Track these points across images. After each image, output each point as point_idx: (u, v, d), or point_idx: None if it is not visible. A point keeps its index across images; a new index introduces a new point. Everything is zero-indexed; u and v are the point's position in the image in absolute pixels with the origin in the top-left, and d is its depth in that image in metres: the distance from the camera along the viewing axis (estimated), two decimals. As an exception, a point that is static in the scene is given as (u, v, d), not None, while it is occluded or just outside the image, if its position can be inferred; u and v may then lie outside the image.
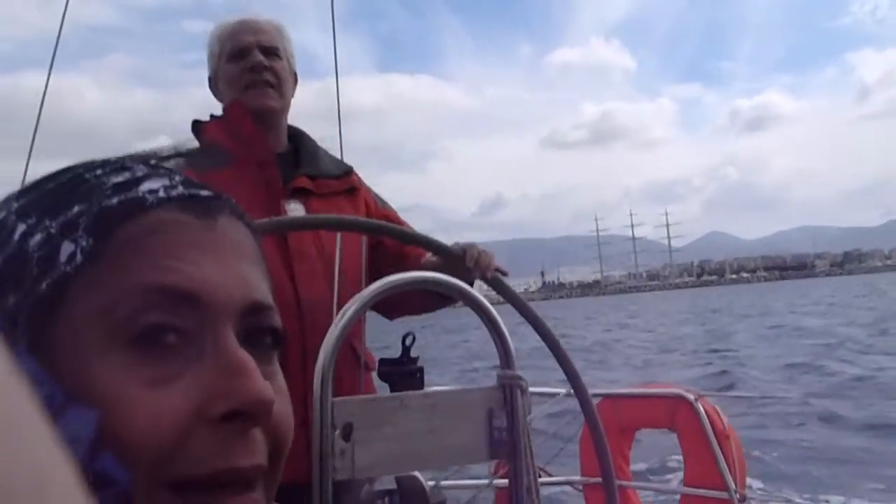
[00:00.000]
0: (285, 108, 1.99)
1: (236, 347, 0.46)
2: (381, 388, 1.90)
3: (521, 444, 1.41)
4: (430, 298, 1.84)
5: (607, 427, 2.11)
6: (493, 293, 1.81)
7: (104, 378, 0.42)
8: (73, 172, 0.49)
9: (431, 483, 1.45)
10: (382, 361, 1.43)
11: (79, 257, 0.44)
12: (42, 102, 2.97)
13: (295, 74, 2.03)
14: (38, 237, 0.45)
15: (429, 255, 1.82)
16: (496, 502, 3.51)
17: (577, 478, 3.67)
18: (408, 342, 1.40)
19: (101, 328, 0.43)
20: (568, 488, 3.88)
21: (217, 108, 2.01)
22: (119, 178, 0.48)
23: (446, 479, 3.09)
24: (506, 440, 1.40)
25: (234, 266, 0.48)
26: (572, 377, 1.73)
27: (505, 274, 1.79)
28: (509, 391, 1.41)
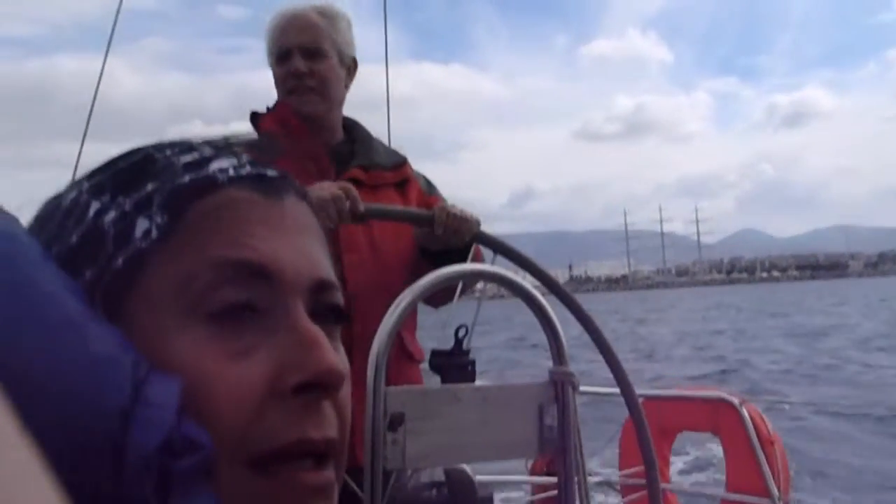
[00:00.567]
0: (332, 107, 1.99)
1: (308, 321, 0.47)
2: (428, 380, 1.91)
3: (571, 441, 1.40)
4: (468, 284, 1.83)
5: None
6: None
7: (184, 351, 0.43)
8: (143, 153, 0.50)
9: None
10: (434, 353, 1.42)
11: (154, 233, 0.45)
12: (97, 88, 3.02)
13: (354, 61, 2.03)
14: (112, 214, 0.46)
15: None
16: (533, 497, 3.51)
17: (616, 478, 3.64)
18: (460, 334, 1.40)
19: (177, 302, 0.44)
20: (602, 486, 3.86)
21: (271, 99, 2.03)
22: (189, 158, 0.49)
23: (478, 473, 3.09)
24: (556, 436, 1.40)
25: (302, 244, 0.49)
26: (619, 376, 1.72)
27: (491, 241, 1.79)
28: (560, 387, 1.41)
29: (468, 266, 1.43)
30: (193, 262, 0.44)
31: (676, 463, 6.07)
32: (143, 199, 0.46)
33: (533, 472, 3.44)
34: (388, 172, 2.02)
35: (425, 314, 1.94)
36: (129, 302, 0.44)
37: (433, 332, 1.68)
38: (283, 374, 0.44)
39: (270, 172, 0.51)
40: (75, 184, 0.50)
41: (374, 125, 2.18)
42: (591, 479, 3.53)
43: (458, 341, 1.40)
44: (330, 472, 0.47)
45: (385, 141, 2.16)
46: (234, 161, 0.50)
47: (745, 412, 3.31)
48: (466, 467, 1.46)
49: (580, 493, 1.42)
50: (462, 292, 1.84)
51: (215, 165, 0.49)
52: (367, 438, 1.25)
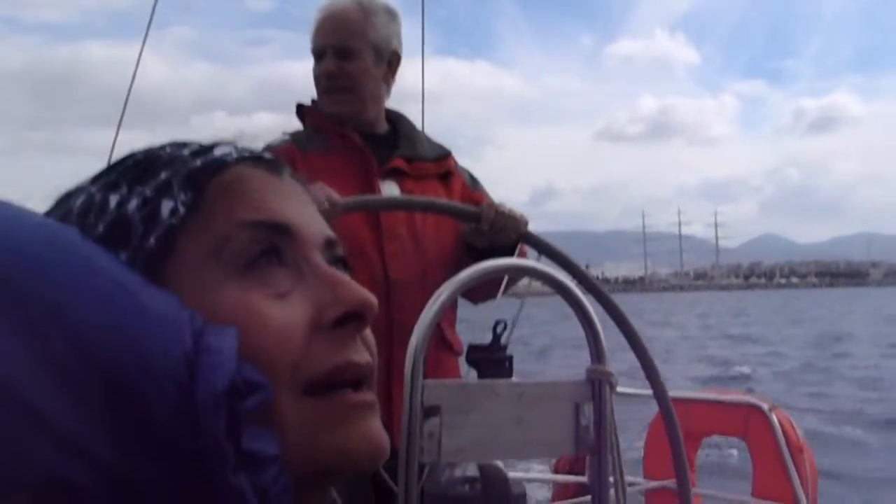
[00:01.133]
0: (366, 106, 1.99)
1: (329, 267, 0.53)
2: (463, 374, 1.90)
3: (606, 441, 1.38)
4: (509, 280, 1.83)
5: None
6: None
7: (230, 301, 0.48)
8: (144, 151, 0.55)
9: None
10: (472, 347, 1.42)
11: (181, 210, 0.50)
12: (133, 78, 3.04)
13: (395, 55, 2.02)
14: (134, 202, 0.51)
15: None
16: (554, 497, 3.50)
17: (640, 480, 3.59)
18: (499, 330, 1.39)
19: (214, 263, 0.49)
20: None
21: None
22: (192, 149, 0.55)
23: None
24: (591, 436, 1.38)
25: (307, 210, 0.55)
26: (653, 379, 1.70)
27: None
28: (598, 386, 1.39)
29: (508, 260, 1.42)
30: (223, 227, 0.49)
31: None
32: (162, 185, 0.51)
33: (556, 471, 3.43)
34: (431, 164, 2.03)
35: (473, 310, 1.94)
36: (166, 272, 0.48)
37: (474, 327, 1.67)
38: (322, 310, 0.50)
39: (267, 154, 0.57)
40: (79, 189, 0.54)
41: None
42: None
43: (497, 336, 1.39)
44: (372, 393, 0.52)
45: None
46: (232, 147, 0.56)
47: (774, 418, 3.27)
48: (500, 463, 1.45)
49: (616, 496, 1.41)
50: (505, 289, 1.83)
51: (218, 151, 0.54)
52: (404, 430, 1.25)
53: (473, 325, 1.84)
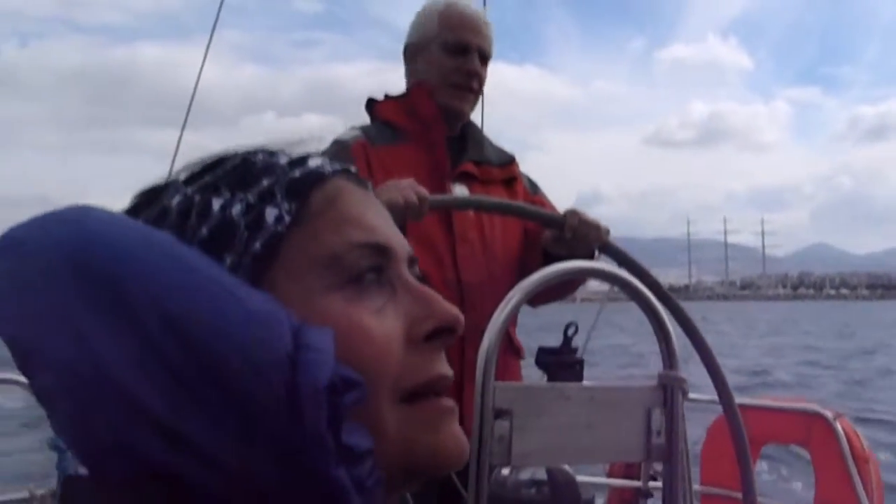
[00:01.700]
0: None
1: (419, 283, 0.56)
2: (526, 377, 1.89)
3: (678, 448, 1.37)
4: (570, 283, 1.82)
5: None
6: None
7: (336, 312, 0.50)
8: (239, 156, 0.57)
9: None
10: (542, 350, 1.41)
11: (286, 218, 0.52)
12: (197, 81, 3.11)
13: None
14: (238, 207, 0.52)
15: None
16: (609, 502, 3.46)
17: (697, 487, 3.53)
18: (570, 332, 1.38)
19: (319, 275, 0.51)
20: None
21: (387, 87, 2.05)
22: (287, 158, 0.57)
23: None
24: (662, 443, 1.36)
25: (393, 225, 0.58)
26: (719, 383, 1.67)
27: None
28: (670, 392, 1.37)
29: (581, 263, 1.41)
30: (333, 241, 0.52)
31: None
32: (265, 192, 0.53)
33: (610, 474, 3.39)
34: (497, 169, 2.05)
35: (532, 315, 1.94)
36: (270, 278, 0.51)
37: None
38: (415, 324, 0.53)
39: (353, 168, 0.59)
40: (172, 188, 0.56)
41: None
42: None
43: (567, 339, 1.39)
44: (452, 401, 0.55)
45: None
46: (324, 160, 0.58)
47: (838, 426, 3.18)
48: (568, 468, 1.44)
49: (685, 503, 1.39)
50: (565, 294, 1.82)
51: (312, 163, 0.56)
52: (475, 432, 1.25)
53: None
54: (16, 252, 0.47)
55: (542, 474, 1.42)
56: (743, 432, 1.67)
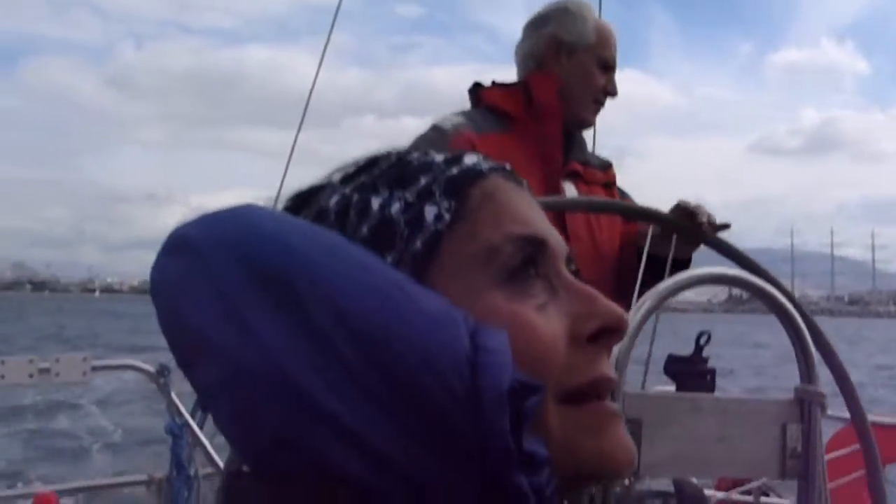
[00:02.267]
0: None
1: (579, 281, 0.54)
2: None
3: (816, 467, 1.31)
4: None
5: (856, 456, 1.94)
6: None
7: (501, 309, 0.48)
8: (394, 156, 0.57)
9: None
10: (672, 358, 1.38)
11: (446, 216, 0.51)
12: (312, 86, 3.20)
13: None
14: (397, 205, 0.52)
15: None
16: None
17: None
18: (702, 341, 1.34)
19: (480, 271, 0.50)
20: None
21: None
22: (444, 157, 0.56)
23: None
24: (799, 460, 1.31)
25: (548, 222, 0.56)
26: (851, 400, 1.60)
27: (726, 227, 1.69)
28: (807, 407, 1.32)
29: (717, 270, 1.37)
30: (491, 236, 0.51)
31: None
32: (424, 190, 0.52)
33: (718, 487, 3.28)
34: (600, 172, 2.02)
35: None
36: (431, 276, 0.49)
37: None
38: (578, 323, 0.51)
39: (509, 166, 0.57)
40: (328, 189, 0.56)
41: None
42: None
43: (699, 348, 1.35)
44: (615, 404, 0.53)
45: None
46: (479, 157, 0.56)
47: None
48: (695, 480, 1.40)
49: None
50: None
51: (467, 160, 0.55)
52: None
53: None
54: (185, 250, 0.48)
55: (666, 485, 1.39)
56: (875, 451, 1.59)
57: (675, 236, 1.62)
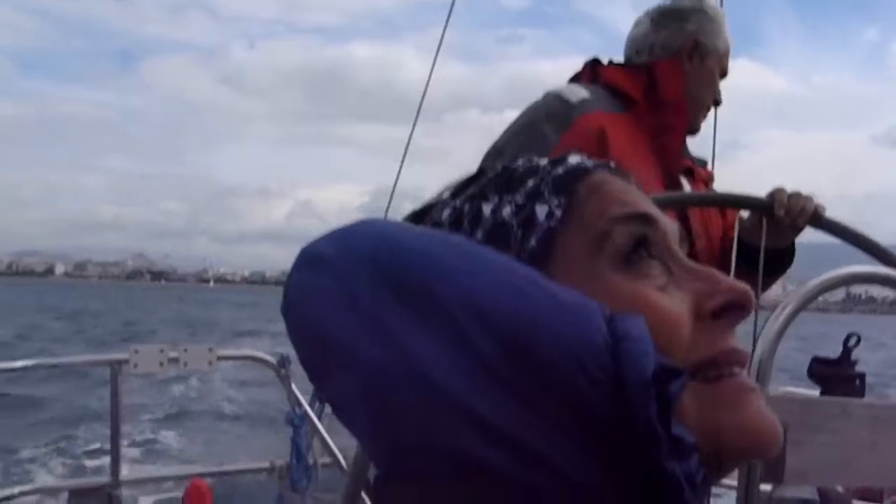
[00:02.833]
0: None
1: (692, 261, 0.53)
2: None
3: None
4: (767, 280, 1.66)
5: None
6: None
7: (623, 293, 0.49)
8: (500, 167, 0.57)
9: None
10: (817, 360, 1.31)
11: (557, 213, 0.51)
12: (427, 83, 3.22)
13: None
14: (507, 208, 0.53)
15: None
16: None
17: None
18: (850, 343, 1.27)
19: (596, 260, 0.50)
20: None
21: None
22: (548, 160, 0.57)
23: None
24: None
25: (657, 209, 0.55)
26: None
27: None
28: (970, 416, 1.23)
29: (870, 268, 1.30)
30: (599, 223, 0.51)
31: None
32: (532, 191, 0.53)
33: (864, 498, 3.09)
34: (703, 170, 1.99)
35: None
36: (550, 272, 0.49)
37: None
38: (702, 301, 0.50)
39: (612, 163, 0.57)
40: (439, 204, 0.57)
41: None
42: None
43: (847, 350, 1.28)
44: (751, 379, 0.51)
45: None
46: (582, 157, 0.57)
47: None
48: (840, 489, 1.33)
49: None
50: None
51: (573, 159, 0.56)
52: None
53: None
54: (320, 265, 0.49)
55: (810, 493, 1.32)
56: None
57: (765, 224, 1.54)
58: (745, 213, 1.80)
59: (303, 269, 0.51)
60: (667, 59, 1.84)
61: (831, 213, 1.62)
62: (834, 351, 1.30)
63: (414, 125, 3.10)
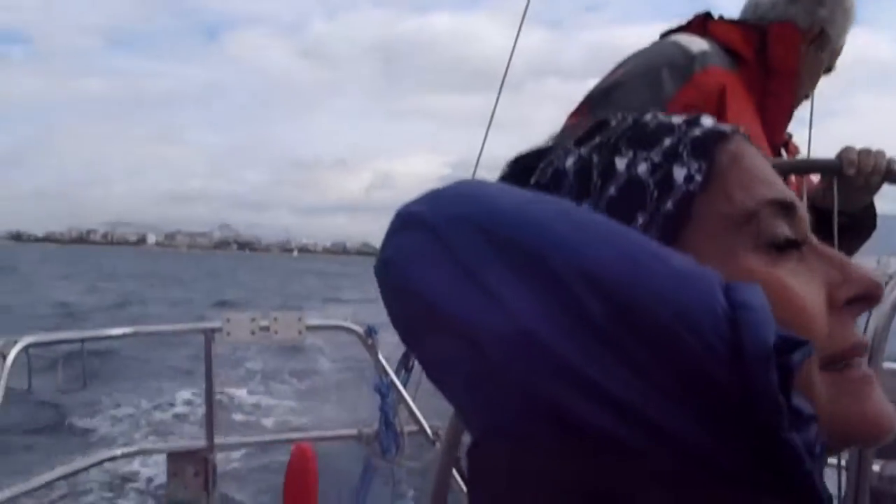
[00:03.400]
0: None
1: (826, 246, 0.53)
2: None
3: None
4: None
5: None
6: None
7: (759, 273, 0.48)
8: (630, 119, 0.56)
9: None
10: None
11: (697, 178, 0.50)
12: (510, 58, 3.17)
13: None
14: (643, 166, 0.51)
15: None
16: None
17: None
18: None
19: (734, 235, 0.50)
20: None
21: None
22: (681, 119, 0.55)
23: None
24: None
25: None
26: None
27: None
28: None
29: None
30: (745, 199, 0.50)
31: None
32: (670, 151, 0.52)
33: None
34: (792, 144, 1.92)
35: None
36: (683, 237, 0.49)
37: None
38: (835, 290, 0.50)
39: (742, 128, 0.56)
40: (559, 151, 0.55)
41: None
42: None
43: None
44: (870, 370, 0.52)
45: None
46: (713, 119, 0.55)
47: None
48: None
49: None
50: None
51: (706, 122, 0.54)
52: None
53: None
54: (419, 227, 0.48)
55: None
56: None
57: (836, 186, 1.45)
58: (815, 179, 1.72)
59: (401, 229, 0.50)
60: (782, 24, 1.74)
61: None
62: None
63: (499, 95, 3.07)
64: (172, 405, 10.01)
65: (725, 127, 0.54)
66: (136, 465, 6.38)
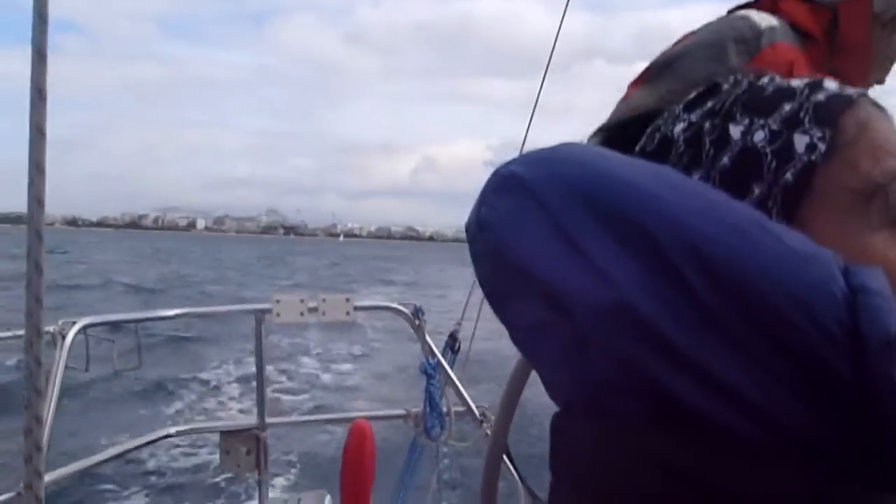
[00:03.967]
0: None
1: None
2: None
3: None
4: None
5: None
6: None
7: (882, 254, 0.45)
8: (745, 81, 0.52)
9: None
10: None
11: (820, 147, 0.47)
12: (556, 38, 3.13)
13: None
14: (760, 134, 0.48)
15: None
16: None
17: None
18: None
19: (859, 210, 0.46)
20: None
21: None
22: (803, 82, 0.51)
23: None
24: None
25: None
26: None
27: None
28: None
29: None
30: (873, 172, 0.47)
31: None
32: (790, 117, 0.48)
33: None
34: None
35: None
36: (802, 211, 0.47)
37: None
38: None
39: (868, 91, 0.52)
40: (668, 116, 0.52)
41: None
42: None
43: None
44: None
45: None
46: (837, 83, 0.51)
47: None
48: None
49: None
50: None
51: (829, 85, 0.50)
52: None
53: None
54: (518, 189, 0.47)
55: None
56: None
57: None
58: None
59: (499, 190, 0.49)
60: (856, 2, 1.68)
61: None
62: None
63: (543, 78, 3.03)
64: (227, 384, 10.21)
65: (852, 91, 0.51)
66: (189, 443, 6.53)
